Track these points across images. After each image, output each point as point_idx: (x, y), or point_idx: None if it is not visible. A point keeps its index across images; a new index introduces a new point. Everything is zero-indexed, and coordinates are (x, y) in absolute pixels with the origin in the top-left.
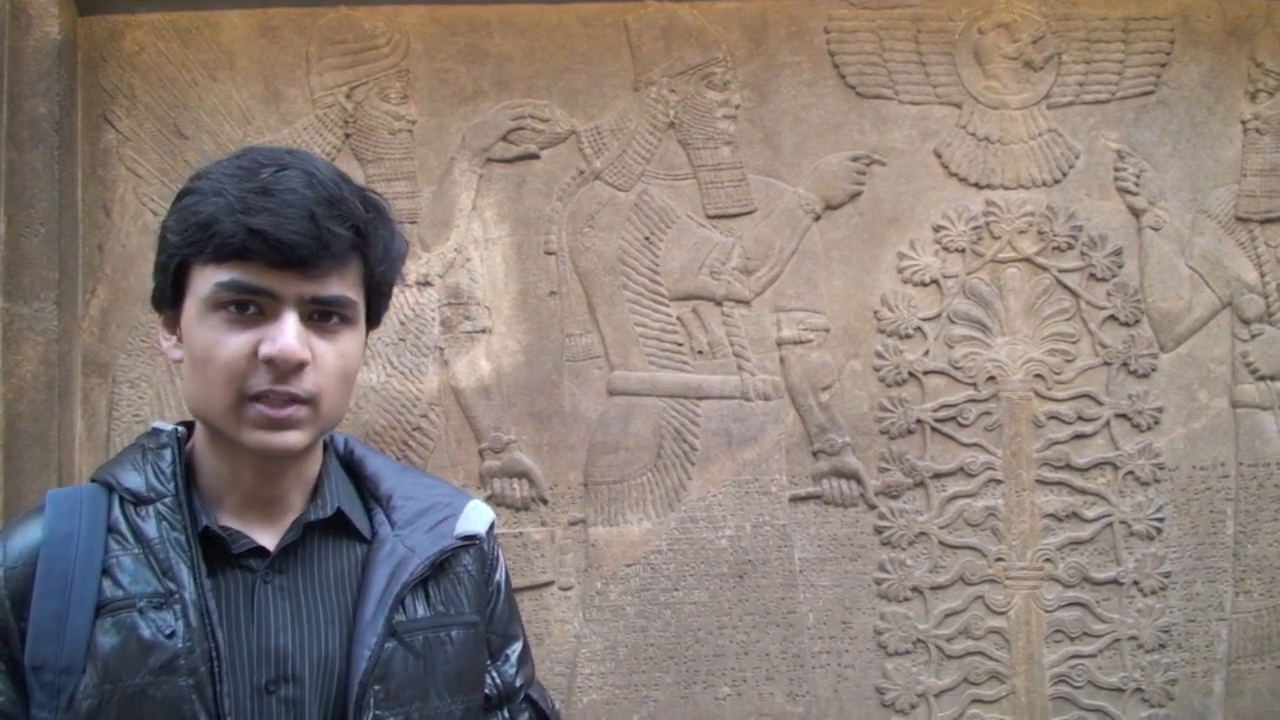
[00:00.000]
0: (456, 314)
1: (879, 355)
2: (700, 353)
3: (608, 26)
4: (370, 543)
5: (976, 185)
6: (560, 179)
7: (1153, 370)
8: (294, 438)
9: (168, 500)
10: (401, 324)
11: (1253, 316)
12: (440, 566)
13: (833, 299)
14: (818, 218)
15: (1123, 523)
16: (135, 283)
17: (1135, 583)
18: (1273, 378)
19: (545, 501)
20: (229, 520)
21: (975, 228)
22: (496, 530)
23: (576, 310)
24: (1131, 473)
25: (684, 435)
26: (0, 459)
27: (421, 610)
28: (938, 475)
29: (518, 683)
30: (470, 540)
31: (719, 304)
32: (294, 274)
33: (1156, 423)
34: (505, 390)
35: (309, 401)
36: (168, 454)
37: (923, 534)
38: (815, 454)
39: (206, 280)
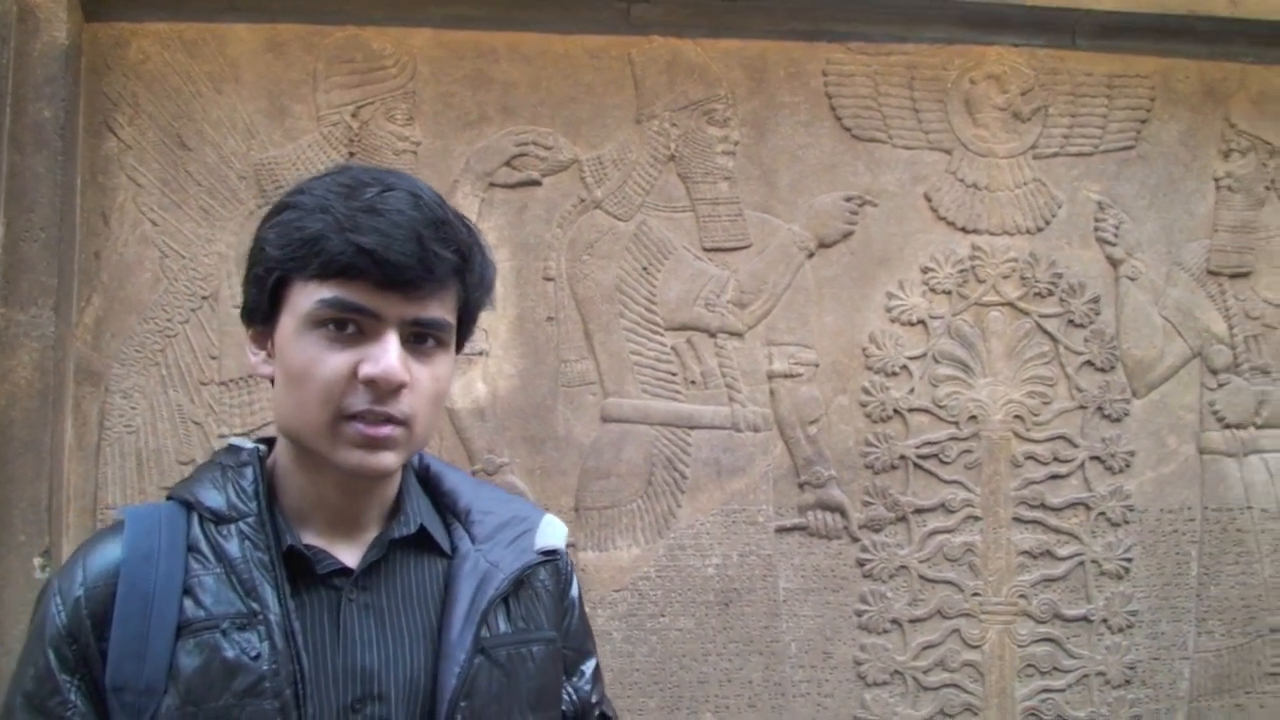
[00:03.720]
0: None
1: (866, 391)
2: (693, 383)
3: (613, 59)
4: (451, 558)
5: (964, 229)
6: (561, 206)
7: (1125, 415)
8: (388, 459)
9: (250, 519)
10: None
11: (1221, 367)
12: (520, 582)
13: (823, 335)
14: (811, 255)
15: (1094, 561)
16: (132, 292)
17: (1104, 620)
18: (1238, 426)
19: None
20: (312, 539)
21: (961, 271)
22: None
23: (573, 336)
24: (1103, 513)
25: (675, 464)
26: None
27: (504, 626)
28: (919, 510)
29: (593, 699)
30: (551, 555)
31: (713, 335)
32: (398, 295)
33: (1128, 466)
34: (500, 413)
35: (404, 423)
36: (249, 472)
37: (903, 567)
38: (801, 486)
39: (308, 297)
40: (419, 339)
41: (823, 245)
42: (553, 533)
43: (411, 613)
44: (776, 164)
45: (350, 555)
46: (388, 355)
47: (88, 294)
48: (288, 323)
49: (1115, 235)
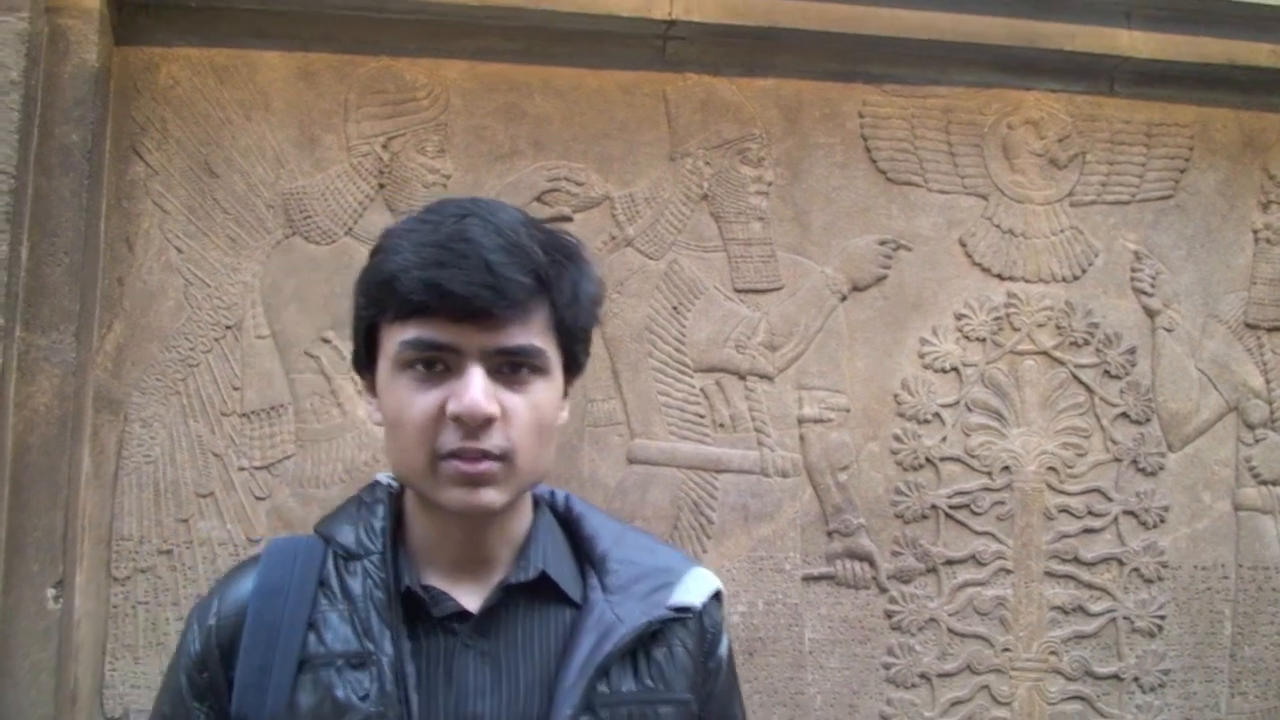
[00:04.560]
0: None
1: (897, 439)
2: (721, 425)
3: (646, 95)
4: (580, 608)
5: (999, 276)
6: (592, 242)
7: (1160, 469)
8: (490, 495)
9: (375, 557)
10: None
11: (1257, 421)
12: (653, 637)
13: (854, 380)
14: (844, 298)
15: (1126, 618)
16: (154, 319)
17: (1135, 679)
18: (1274, 482)
19: None
20: (436, 580)
21: (996, 318)
22: None
23: (600, 375)
24: (1136, 569)
25: (701, 508)
26: (7, 493)
27: (629, 684)
28: (949, 562)
29: None
30: (684, 612)
31: (742, 378)
32: (474, 327)
33: (1162, 521)
34: None
35: (502, 457)
36: (380, 509)
37: (932, 620)
38: (830, 534)
39: (393, 339)
40: (512, 368)
41: (856, 289)
42: (695, 588)
43: (530, 662)
44: (810, 205)
45: (473, 598)
46: (470, 390)
47: (109, 320)
48: (383, 368)
49: (1152, 286)
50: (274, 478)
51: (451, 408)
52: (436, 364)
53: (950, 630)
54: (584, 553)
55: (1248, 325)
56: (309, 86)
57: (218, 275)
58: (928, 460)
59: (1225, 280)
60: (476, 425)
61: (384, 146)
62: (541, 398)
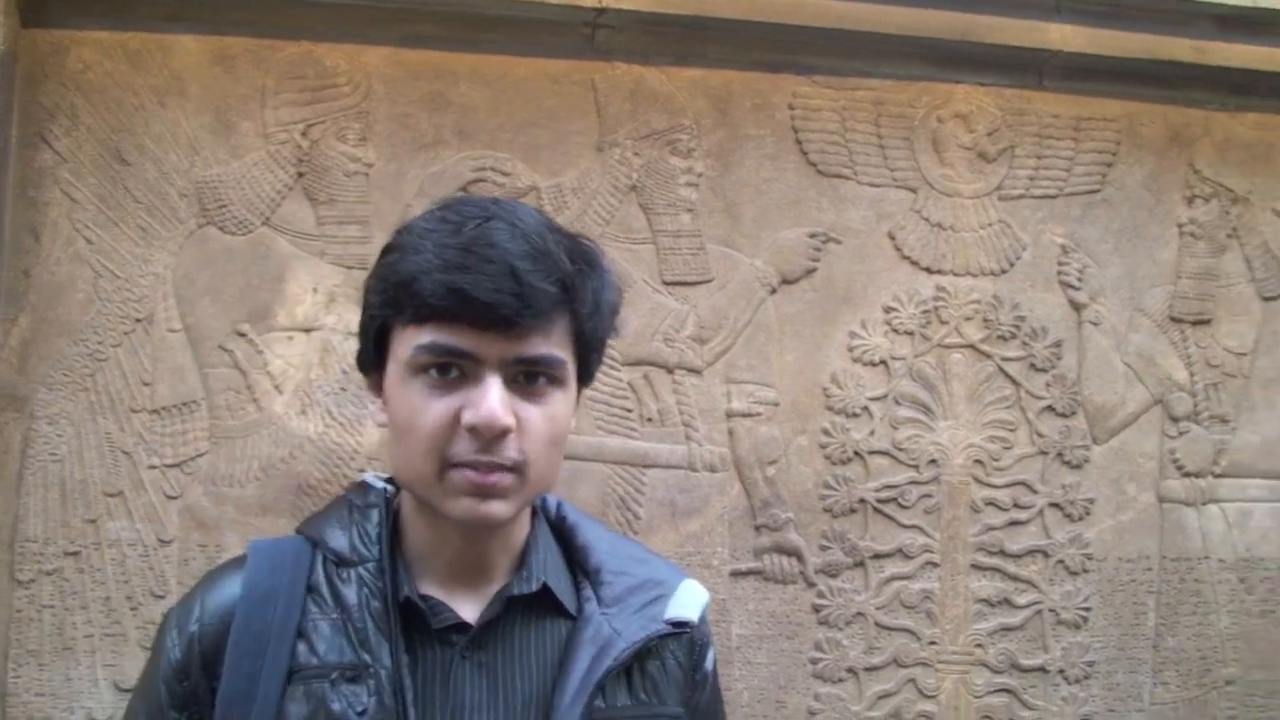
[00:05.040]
0: None
1: (826, 433)
2: (649, 420)
3: (575, 84)
4: (575, 620)
5: (928, 270)
6: None
7: (1086, 462)
8: (499, 507)
9: (370, 565)
10: (344, 373)
11: (1181, 414)
12: (647, 651)
13: (783, 373)
14: (773, 291)
15: (1051, 611)
16: (62, 312)
17: (1061, 670)
18: (1198, 475)
19: None
20: (432, 589)
21: (924, 311)
22: None
23: None
24: (1062, 562)
25: (629, 504)
26: None
27: (624, 699)
28: (877, 556)
29: None
30: (682, 627)
31: (670, 372)
32: (496, 335)
33: (1087, 513)
34: None
35: (515, 469)
36: (375, 515)
37: (860, 614)
38: (758, 529)
39: (407, 343)
40: (529, 378)
41: (785, 281)
42: (689, 601)
43: (528, 676)
44: (740, 197)
45: (470, 608)
46: (488, 400)
47: (14, 314)
48: (393, 371)
49: (1079, 279)
50: (186, 476)
51: (467, 418)
52: (452, 370)
53: (877, 624)
54: (577, 563)
55: (1172, 319)
56: (225, 72)
57: (128, 266)
58: (856, 454)
59: (1151, 274)
60: (492, 437)
61: (303, 134)
62: (557, 409)
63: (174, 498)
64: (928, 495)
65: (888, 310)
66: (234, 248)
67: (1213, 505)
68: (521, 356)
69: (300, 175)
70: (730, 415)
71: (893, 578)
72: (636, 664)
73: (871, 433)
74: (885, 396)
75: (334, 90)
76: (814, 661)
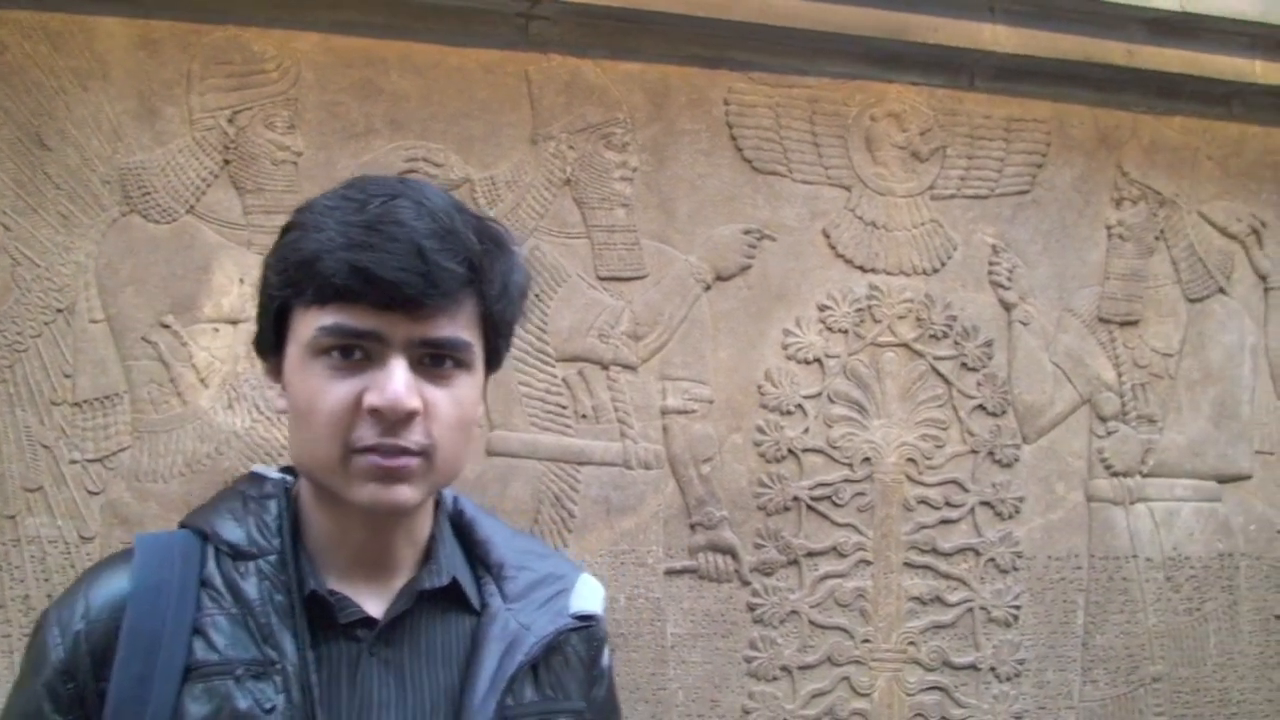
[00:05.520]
0: None
1: (760, 430)
2: (584, 417)
3: (509, 75)
4: (479, 615)
5: (861, 268)
6: None
7: (1016, 460)
8: (405, 492)
9: (272, 558)
10: None
11: (1109, 414)
12: (551, 647)
13: (718, 371)
14: (708, 288)
15: (982, 608)
16: None
17: (992, 668)
18: (1125, 474)
19: None
20: (335, 582)
21: (858, 309)
22: None
23: None
24: (992, 560)
25: (563, 501)
26: None
27: (530, 694)
28: (811, 554)
29: None
30: (588, 620)
31: (605, 368)
32: (401, 315)
33: (1017, 512)
34: None
35: (421, 454)
36: (273, 505)
37: (794, 612)
38: (693, 527)
39: (308, 324)
40: (435, 360)
41: (720, 278)
42: (590, 595)
43: (435, 672)
44: (675, 192)
45: (375, 603)
46: (393, 382)
47: None
48: (293, 353)
49: (1009, 279)
50: (108, 471)
51: (371, 400)
52: (355, 352)
53: (811, 622)
54: (478, 558)
55: (1100, 319)
56: (150, 55)
57: (49, 255)
58: (790, 452)
59: (1079, 275)
60: (397, 420)
61: (229, 121)
62: (465, 393)
63: (96, 493)
64: (861, 493)
65: (822, 308)
66: (158, 236)
67: (1140, 504)
68: (428, 338)
69: (227, 163)
70: (665, 412)
71: (827, 576)
72: (542, 660)
73: (806, 431)
74: (819, 394)
75: (262, 76)
76: (748, 660)
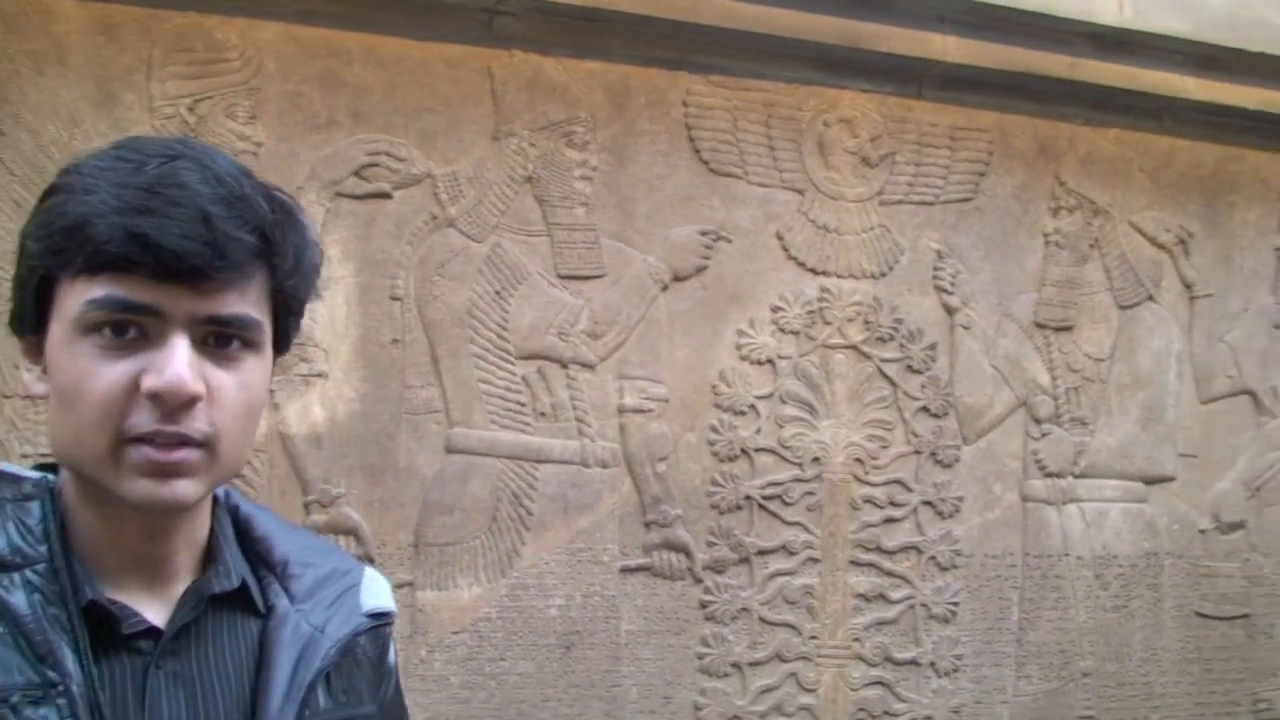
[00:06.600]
0: (291, 355)
1: (714, 429)
2: (543, 414)
3: (472, 71)
4: (265, 617)
5: (813, 271)
6: (412, 222)
7: (956, 461)
8: (185, 488)
9: (40, 566)
10: None
11: (1044, 416)
12: (344, 649)
13: (674, 370)
14: (665, 288)
15: (923, 605)
16: None
17: (932, 664)
18: (1058, 475)
19: (372, 561)
20: (109, 590)
21: (810, 311)
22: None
23: (419, 361)
24: (933, 558)
25: (521, 499)
26: None
27: (324, 700)
28: (762, 552)
29: None
30: (384, 618)
31: (564, 366)
32: (184, 288)
33: (957, 511)
34: (338, 440)
35: (204, 444)
36: (36, 508)
37: (744, 610)
38: (648, 525)
39: (76, 297)
40: (221, 340)
41: (677, 278)
42: (380, 590)
43: (226, 682)
44: (634, 193)
45: (156, 611)
46: (174, 362)
47: None
48: (57, 331)
49: (952, 284)
50: None
51: (149, 383)
52: (129, 329)
53: (761, 619)
54: (259, 555)
55: (1037, 325)
56: (109, 41)
57: (2, 243)
58: (743, 451)
59: (1018, 281)
60: (177, 405)
61: (190, 109)
62: (253, 377)
63: None
64: (810, 493)
65: (775, 309)
66: None
67: (1072, 504)
68: (213, 315)
69: None
70: (622, 411)
71: (776, 573)
72: (334, 662)
73: (758, 430)
74: (771, 395)
75: (224, 65)
76: (700, 657)
